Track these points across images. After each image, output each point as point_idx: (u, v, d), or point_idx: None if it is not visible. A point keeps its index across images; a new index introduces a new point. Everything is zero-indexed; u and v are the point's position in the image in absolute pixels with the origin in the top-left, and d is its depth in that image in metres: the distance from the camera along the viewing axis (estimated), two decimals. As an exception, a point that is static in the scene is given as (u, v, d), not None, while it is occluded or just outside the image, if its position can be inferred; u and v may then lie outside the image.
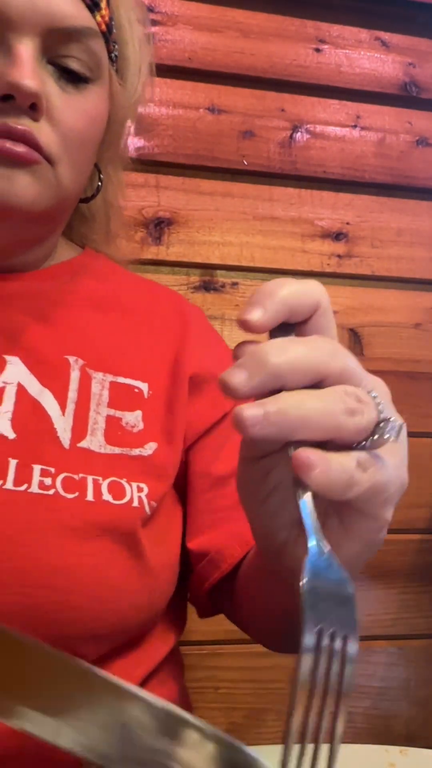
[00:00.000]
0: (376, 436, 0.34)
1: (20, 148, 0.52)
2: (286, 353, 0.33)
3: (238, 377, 0.32)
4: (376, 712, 1.07)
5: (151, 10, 1.12)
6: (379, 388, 0.36)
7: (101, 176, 0.68)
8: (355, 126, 1.20)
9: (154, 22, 1.12)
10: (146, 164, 1.09)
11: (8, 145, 0.51)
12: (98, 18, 0.57)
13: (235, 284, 1.12)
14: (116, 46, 0.62)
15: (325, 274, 1.15)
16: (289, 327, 0.36)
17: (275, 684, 1.02)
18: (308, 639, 0.29)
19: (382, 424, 0.34)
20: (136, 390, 0.61)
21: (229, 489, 0.62)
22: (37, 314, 0.60)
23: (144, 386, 0.61)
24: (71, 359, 0.59)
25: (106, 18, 0.58)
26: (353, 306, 1.15)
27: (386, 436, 0.33)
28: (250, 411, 0.31)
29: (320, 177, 1.17)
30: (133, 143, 1.09)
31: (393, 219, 1.19)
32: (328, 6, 1.20)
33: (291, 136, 1.17)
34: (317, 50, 1.19)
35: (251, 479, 0.39)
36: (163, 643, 0.60)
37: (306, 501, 0.32)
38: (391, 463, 0.35)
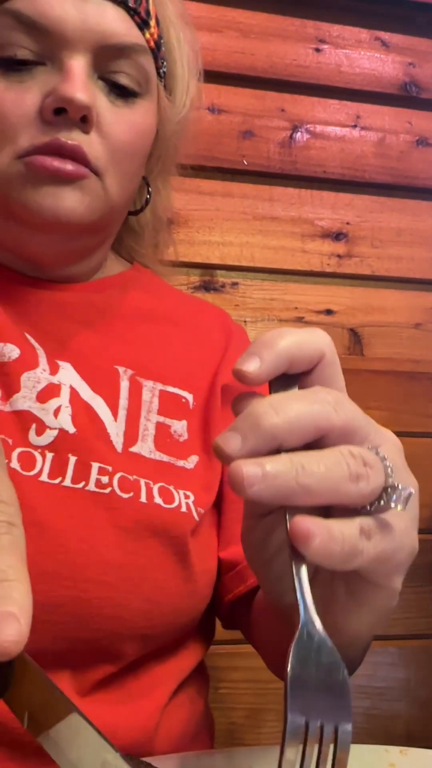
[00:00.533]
0: (382, 502, 0.31)
1: (69, 166, 0.53)
2: (284, 412, 0.31)
3: (232, 443, 0.31)
4: (376, 712, 1.07)
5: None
6: (389, 444, 0.34)
7: (150, 189, 0.70)
8: (355, 126, 1.20)
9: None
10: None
11: (56, 164, 0.53)
12: (147, 35, 0.59)
13: (235, 284, 1.12)
14: (165, 63, 0.64)
15: (325, 274, 1.15)
16: (291, 378, 0.34)
17: (275, 684, 1.02)
18: (291, 733, 0.28)
19: (389, 490, 0.31)
20: (183, 400, 0.62)
21: None
22: (87, 324, 0.61)
23: (189, 397, 0.63)
24: (120, 369, 0.60)
25: (155, 36, 0.60)
26: (353, 306, 1.15)
27: (392, 505, 0.31)
28: (249, 469, 0.30)
29: (320, 177, 1.17)
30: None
31: (393, 219, 1.19)
32: (328, 6, 1.20)
33: (291, 136, 1.17)
34: (317, 50, 1.19)
35: (255, 539, 0.37)
36: (193, 654, 0.61)
37: (302, 575, 0.31)
38: (399, 528, 0.32)
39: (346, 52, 1.20)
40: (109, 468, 0.54)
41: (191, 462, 0.60)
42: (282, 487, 0.30)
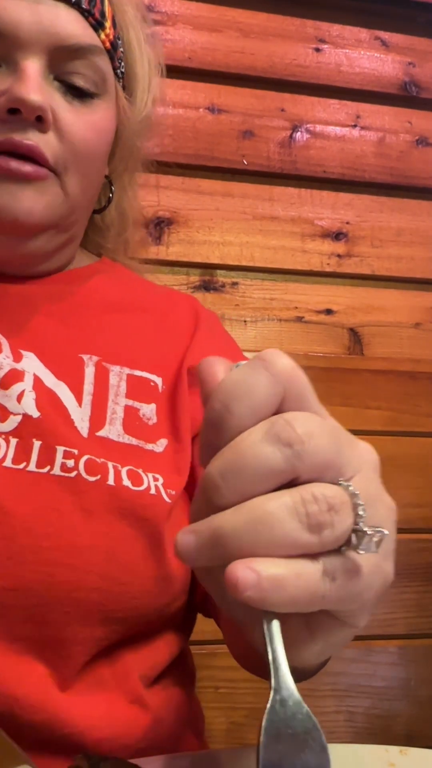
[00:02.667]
0: (351, 544, 0.29)
1: (27, 168, 0.54)
2: (240, 483, 0.28)
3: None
4: (376, 712, 1.07)
5: (150, 9, 1.12)
6: (364, 469, 0.31)
7: (113, 188, 0.70)
8: (355, 126, 1.20)
9: (155, 22, 1.12)
10: (146, 164, 1.09)
11: (13, 165, 0.54)
12: (102, 36, 0.59)
13: (235, 284, 1.12)
14: (122, 63, 0.64)
15: (325, 273, 1.15)
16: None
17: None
18: None
19: (359, 534, 0.29)
20: (152, 383, 0.62)
21: None
22: (52, 314, 0.62)
23: (159, 380, 0.62)
24: (85, 357, 0.60)
25: (111, 36, 0.61)
26: (353, 306, 1.15)
27: (362, 551, 0.29)
28: (183, 538, 0.28)
29: (320, 177, 1.17)
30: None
31: (393, 219, 1.19)
32: (328, 6, 1.20)
33: (291, 136, 1.17)
34: (317, 50, 1.19)
35: (212, 592, 0.34)
36: (170, 644, 0.60)
37: (273, 631, 0.29)
38: (369, 566, 0.30)
39: (346, 52, 1.20)
40: (75, 451, 0.53)
41: (160, 445, 0.59)
42: (223, 553, 0.28)
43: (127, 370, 0.61)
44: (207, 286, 1.11)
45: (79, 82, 0.58)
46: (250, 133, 1.15)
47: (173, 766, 0.43)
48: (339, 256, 1.16)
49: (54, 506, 0.51)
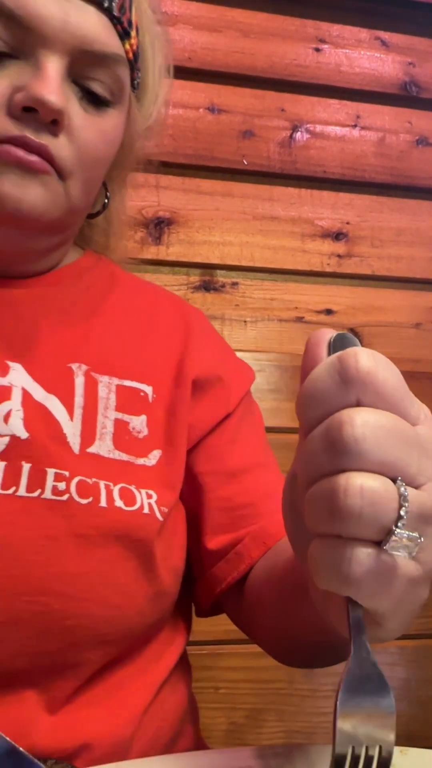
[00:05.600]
0: (384, 541, 0.30)
1: (34, 158, 0.53)
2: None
3: None
4: (376, 712, 1.07)
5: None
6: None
7: (107, 194, 0.69)
8: (355, 126, 1.20)
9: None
10: (146, 164, 1.09)
11: (21, 153, 0.52)
12: (127, 46, 0.58)
13: (235, 284, 1.12)
14: (139, 74, 0.63)
15: (325, 273, 1.15)
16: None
17: (275, 684, 1.02)
18: (339, 757, 0.30)
19: (391, 533, 0.30)
20: (142, 393, 0.61)
21: (244, 485, 0.62)
22: (39, 321, 0.60)
23: (149, 389, 0.61)
24: (74, 366, 0.58)
25: (135, 46, 0.59)
26: (353, 306, 1.15)
27: (390, 549, 0.30)
28: None
29: (320, 177, 1.17)
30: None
31: (393, 219, 1.19)
32: (328, 6, 1.20)
33: (291, 136, 1.17)
34: (317, 50, 1.19)
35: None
36: (171, 647, 0.60)
37: (359, 615, 0.32)
38: (405, 573, 0.31)
39: (346, 52, 1.20)
40: (66, 473, 0.52)
41: (152, 458, 0.58)
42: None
43: (116, 381, 0.59)
44: (207, 286, 1.11)
45: (97, 88, 0.56)
46: (250, 133, 1.15)
47: (173, 766, 0.43)
48: (339, 256, 1.16)
49: (46, 533, 0.50)
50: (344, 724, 0.31)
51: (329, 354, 0.34)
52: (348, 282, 1.16)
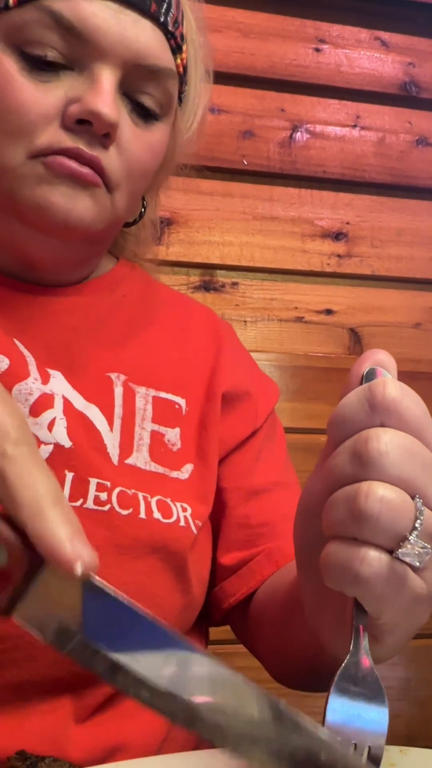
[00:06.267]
0: (396, 548, 0.32)
1: (85, 170, 0.53)
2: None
3: None
4: (376, 712, 1.07)
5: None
6: None
7: (145, 204, 0.69)
8: (354, 126, 1.20)
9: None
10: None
11: (75, 165, 0.52)
12: (178, 61, 0.58)
13: (235, 284, 1.12)
14: (186, 87, 0.63)
15: (325, 274, 1.15)
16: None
17: (275, 684, 1.02)
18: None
19: (404, 541, 0.32)
20: (176, 406, 0.61)
21: (264, 504, 0.62)
22: (77, 329, 0.60)
23: (182, 402, 0.61)
24: (113, 376, 0.59)
25: (185, 60, 0.59)
26: (353, 306, 1.15)
27: (401, 555, 0.32)
28: None
29: (320, 177, 1.17)
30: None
31: (393, 219, 1.19)
32: (328, 6, 1.20)
33: (291, 136, 1.17)
34: (317, 50, 1.19)
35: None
36: None
37: (363, 623, 0.33)
38: (413, 586, 0.33)
39: (345, 52, 1.20)
40: (108, 483, 0.53)
41: (185, 472, 0.59)
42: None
43: (152, 392, 0.60)
44: (207, 286, 1.11)
45: (148, 102, 0.56)
46: (250, 133, 1.15)
47: (173, 766, 0.43)
48: (339, 256, 1.16)
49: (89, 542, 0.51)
50: (333, 719, 0.31)
51: (362, 383, 0.37)
52: (348, 282, 1.16)
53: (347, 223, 1.17)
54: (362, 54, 1.21)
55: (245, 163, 1.14)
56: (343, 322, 1.14)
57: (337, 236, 1.16)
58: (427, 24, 1.23)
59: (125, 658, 0.28)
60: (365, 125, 1.20)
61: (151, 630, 0.30)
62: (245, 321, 1.11)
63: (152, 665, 0.28)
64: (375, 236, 1.18)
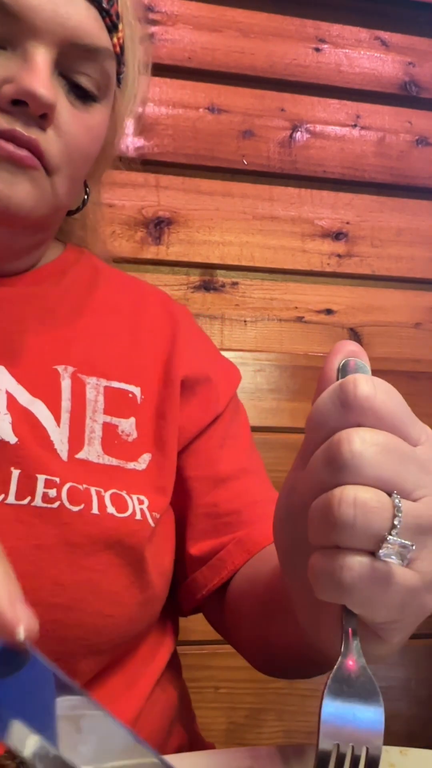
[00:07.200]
0: (377, 550, 0.31)
1: (23, 153, 0.51)
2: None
3: None
4: (376, 712, 1.07)
5: (150, 9, 1.12)
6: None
7: (87, 191, 0.67)
8: (354, 125, 1.20)
9: (154, 22, 1.12)
10: (146, 164, 1.09)
11: (11, 148, 0.51)
12: (114, 39, 0.56)
13: (235, 284, 1.12)
14: (123, 68, 0.61)
15: (325, 273, 1.15)
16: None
17: (275, 684, 1.02)
18: (322, 754, 0.31)
19: (384, 541, 0.31)
20: (130, 395, 0.59)
21: (231, 492, 0.61)
22: (23, 321, 0.58)
23: (137, 390, 0.60)
24: (60, 368, 0.57)
25: (121, 40, 0.58)
26: (353, 306, 1.15)
27: (382, 556, 0.31)
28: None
29: (320, 177, 1.17)
30: (133, 143, 1.09)
31: (393, 219, 1.19)
32: (328, 6, 1.20)
33: (291, 136, 1.17)
34: (317, 50, 1.19)
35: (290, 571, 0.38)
36: (162, 649, 0.60)
37: (352, 626, 0.33)
38: (403, 583, 0.32)
39: (345, 52, 1.20)
40: (57, 479, 0.51)
41: (142, 462, 0.57)
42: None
43: (104, 382, 0.58)
44: (207, 286, 1.11)
45: (85, 83, 0.54)
46: (250, 133, 1.15)
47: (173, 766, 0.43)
48: (339, 256, 1.16)
49: (36, 542, 0.49)
50: (328, 722, 0.31)
51: (338, 378, 0.35)
52: (348, 282, 1.16)
53: (347, 223, 1.17)
54: (362, 54, 1.21)
55: (245, 162, 1.14)
56: (343, 321, 1.14)
57: (337, 236, 1.16)
58: (427, 24, 1.23)
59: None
60: (365, 125, 1.20)
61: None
62: (245, 321, 1.11)
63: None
64: (375, 236, 1.18)
